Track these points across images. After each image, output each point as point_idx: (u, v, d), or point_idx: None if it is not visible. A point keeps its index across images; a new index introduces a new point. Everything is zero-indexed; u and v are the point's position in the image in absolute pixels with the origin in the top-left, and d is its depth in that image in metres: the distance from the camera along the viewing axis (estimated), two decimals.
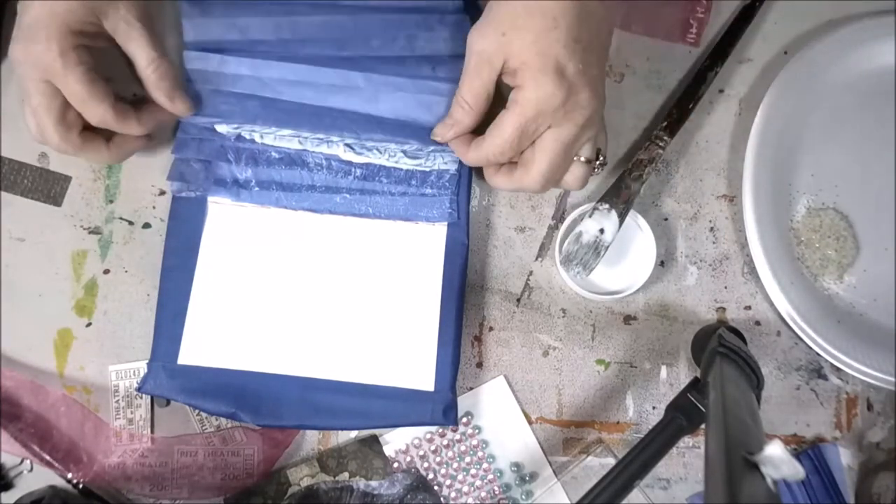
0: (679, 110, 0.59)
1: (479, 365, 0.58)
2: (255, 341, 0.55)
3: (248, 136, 0.56)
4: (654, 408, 0.59)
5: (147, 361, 0.55)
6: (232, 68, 0.55)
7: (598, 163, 0.53)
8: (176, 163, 0.57)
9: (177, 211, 0.57)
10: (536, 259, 0.60)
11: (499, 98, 0.52)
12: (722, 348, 0.49)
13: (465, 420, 0.57)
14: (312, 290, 0.56)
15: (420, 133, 0.55)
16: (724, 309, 0.60)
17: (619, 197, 0.57)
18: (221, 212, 0.57)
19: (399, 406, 0.54)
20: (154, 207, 0.59)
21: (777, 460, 0.35)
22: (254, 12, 0.55)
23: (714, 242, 0.60)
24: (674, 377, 0.59)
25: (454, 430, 0.57)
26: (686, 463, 0.58)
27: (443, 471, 0.57)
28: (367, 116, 0.56)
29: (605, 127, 0.53)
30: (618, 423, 0.58)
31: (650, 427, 0.48)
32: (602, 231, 0.56)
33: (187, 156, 0.57)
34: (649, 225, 0.58)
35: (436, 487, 0.56)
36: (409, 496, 0.56)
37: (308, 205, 0.57)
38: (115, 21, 0.49)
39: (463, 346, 0.57)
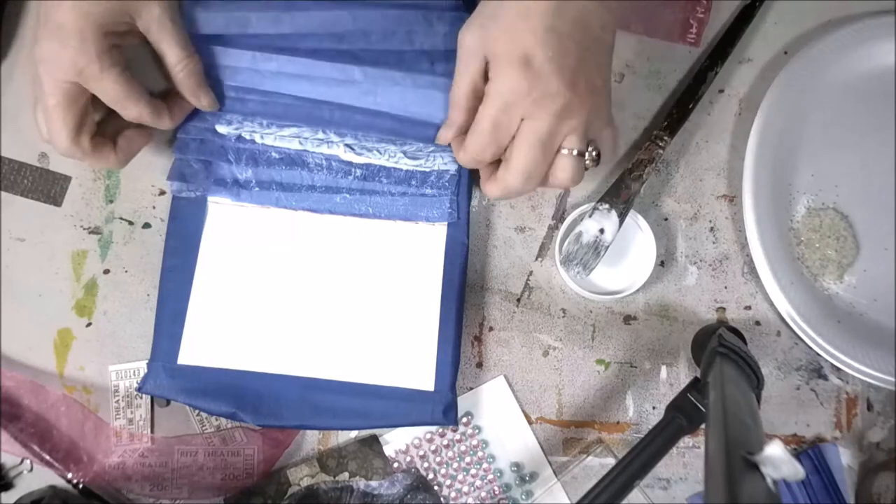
0: (679, 110, 0.59)
1: (479, 365, 0.58)
2: (255, 341, 0.55)
3: (248, 137, 0.56)
4: (654, 408, 0.59)
5: (147, 361, 0.55)
6: (231, 61, 0.55)
7: (589, 156, 0.50)
8: (176, 163, 0.57)
9: (177, 211, 0.57)
10: (536, 259, 0.60)
11: None
12: (722, 348, 0.49)
13: (465, 420, 0.57)
14: (312, 290, 0.56)
15: (418, 128, 0.55)
16: (724, 309, 0.60)
17: (619, 197, 0.57)
18: (221, 212, 0.57)
19: (399, 406, 0.54)
20: (154, 207, 0.59)
21: (777, 460, 0.35)
22: (253, 6, 0.55)
23: (714, 242, 0.60)
24: (674, 377, 0.59)
25: (454, 430, 0.57)
26: (686, 463, 0.58)
27: (443, 471, 0.57)
28: (364, 111, 0.56)
29: (610, 121, 0.51)
30: (618, 423, 0.58)
31: (650, 427, 0.48)
32: (602, 231, 0.56)
33: (188, 156, 0.57)
34: (649, 225, 0.58)
35: (436, 487, 0.56)
36: (409, 496, 0.56)
37: (308, 205, 0.57)
38: (149, 21, 0.49)
39: (463, 346, 0.57)
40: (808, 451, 0.58)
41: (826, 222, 0.59)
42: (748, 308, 0.60)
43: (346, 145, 0.56)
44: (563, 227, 0.58)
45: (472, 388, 0.58)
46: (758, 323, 0.60)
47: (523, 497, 0.57)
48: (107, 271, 0.58)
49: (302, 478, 0.56)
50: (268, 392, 0.54)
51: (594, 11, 0.48)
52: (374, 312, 0.56)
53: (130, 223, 0.59)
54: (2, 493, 0.55)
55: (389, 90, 0.56)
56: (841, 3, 0.62)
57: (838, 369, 0.58)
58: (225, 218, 0.57)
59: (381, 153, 0.56)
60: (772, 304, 0.58)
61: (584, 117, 0.48)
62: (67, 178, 0.59)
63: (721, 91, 0.62)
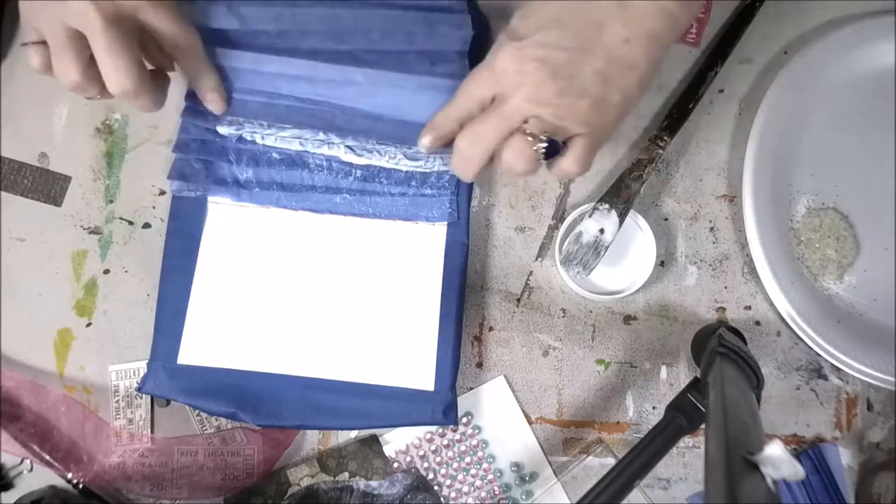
0: (679, 110, 0.59)
1: (479, 365, 0.58)
2: (255, 341, 0.55)
3: (249, 138, 0.56)
4: (654, 408, 0.59)
5: (147, 361, 0.55)
6: (232, 62, 0.55)
7: (540, 145, 0.46)
8: (176, 162, 0.57)
9: (177, 211, 0.57)
10: (536, 259, 0.60)
11: None
12: (722, 348, 0.49)
13: (465, 420, 0.57)
14: (312, 289, 0.56)
15: (418, 130, 0.55)
16: (724, 309, 0.60)
17: (619, 197, 0.57)
18: (221, 212, 0.57)
19: (399, 406, 0.54)
20: (154, 207, 0.59)
21: (777, 460, 0.35)
22: (254, 2, 0.55)
23: (714, 242, 0.60)
24: (674, 377, 0.59)
25: (454, 430, 0.57)
26: (686, 463, 0.58)
27: (443, 471, 0.57)
28: (365, 113, 0.56)
29: (594, 135, 0.47)
30: (618, 423, 0.58)
31: (650, 427, 0.48)
32: (602, 231, 0.56)
33: (188, 156, 0.57)
34: (649, 225, 0.58)
35: (436, 487, 0.56)
36: (409, 496, 0.56)
37: (308, 205, 0.57)
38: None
39: (463, 346, 0.57)
40: (808, 451, 0.58)
41: (826, 222, 0.59)
42: (748, 308, 0.60)
43: (347, 146, 0.56)
44: (563, 227, 0.58)
45: (472, 388, 0.58)
46: (758, 323, 0.60)
47: (523, 497, 0.57)
48: (107, 271, 0.58)
49: (302, 478, 0.56)
50: (268, 392, 0.54)
51: (615, 18, 0.45)
52: (375, 312, 0.56)
53: (130, 223, 0.59)
54: (2, 493, 0.55)
55: (390, 92, 0.55)
56: (841, 3, 0.62)
57: (838, 369, 0.58)
58: (225, 218, 0.57)
59: (381, 154, 0.56)
60: (772, 304, 0.58)
61: (557, 111, 0.45)
62: (67, 178, 0.59)
63: (721, 91, 0.62)
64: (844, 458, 0.58)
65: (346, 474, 0.56)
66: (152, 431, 0.56)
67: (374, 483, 0.56)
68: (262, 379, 0.55)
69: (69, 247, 0.58)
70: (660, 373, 0.59)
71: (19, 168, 0.58)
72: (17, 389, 0.55)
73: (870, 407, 0.59)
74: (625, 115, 0.48)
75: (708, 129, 0.61)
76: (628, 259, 0.58)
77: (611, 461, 0.57)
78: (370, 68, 0.56)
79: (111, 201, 0.59)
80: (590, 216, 0.56)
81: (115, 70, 0.46)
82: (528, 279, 0.59)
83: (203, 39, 0.54)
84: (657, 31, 0.45)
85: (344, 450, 0.56)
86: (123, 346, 0.57)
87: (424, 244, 0.57)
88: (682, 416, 0.48)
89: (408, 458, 0.57)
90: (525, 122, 0.46)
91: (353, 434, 0.57)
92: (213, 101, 0.54)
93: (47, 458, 0.54)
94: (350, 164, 0.57)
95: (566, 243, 0.56)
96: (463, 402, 0.57)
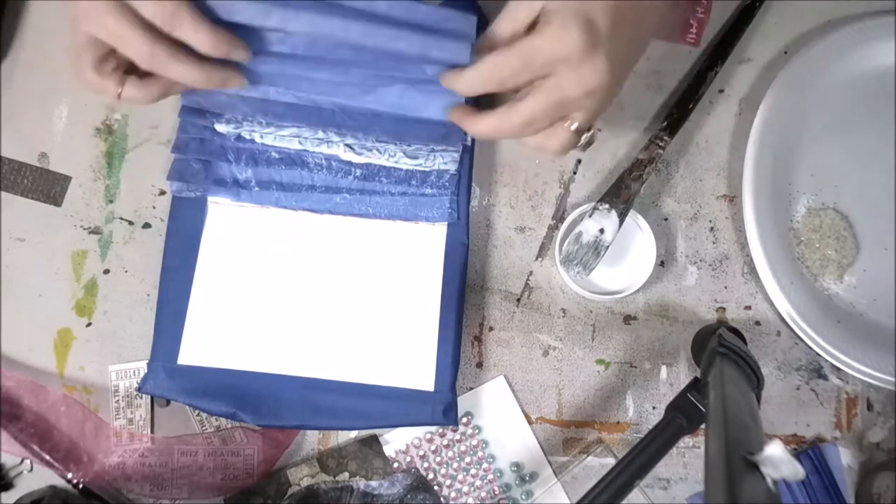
0: (679, 110, 0.59)
1: (479, 365, 0.58)
2: (255, 341, 0.55)
3: (248, 136, 0.56)
4: (654, 408, 0.59)
5: (147, 361, 0.55)
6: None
7: (586, 137, 0.49)
8: (176, 163, 0.57)
9: (177, 211, 0.57)
10: (536, 259, 0.60)
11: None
12: (722, 348, 0.49)
13: (465, 420, 0.57)
14: (312, 290, 0.56)
15: (417, 128, 0.55)
16: (724, 309, 0.60)
17: (618, 197, 0.57)
18: (221, 212, 0.57)
19: (399, 406, 0.54)
20: (154, 207, 0.59)
21: (777, 460, 0.35)
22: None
23: (714, 242, 0.60)
24: (674, 377, 0.59)
25: (454, 430, 0.57)
26: (686, 463, 0.58)
27: (443, 471, 0.57)
28: (363, 110, 0.56)
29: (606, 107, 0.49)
30: (618, 423, 0.58)
31: (650, 427, 0.48)
32: (602, 231, 0.56)
33: (187, 156, 0.57)
34: (649, 225, 0.58)
35: (436, 487, 0.56)
36: (409, 496, 0.56)
37: (308, 205, 0.57)
38: None
39: (463, 346, 0.57)
40: (808, 451, 0.58)
41: (826, 222, 0.59)
42: (748, 308, 0.60)
43: (346, 145, 0.56)
44: (563, 227, 0.58)
45: (472, 388, 0.58)
46: (758, 323, 0.60)
47: (523, 497, 0.57)
48: (107, 271, 0.58)
49: (302, 478, 0.56)
50: (268, 392, 0.54)
51: (649, 12, 0.47)
52: (374, 312, 0.56)
53: (130, 223, 0.59)
54: (2, 493, 0.55)
55: (388, 89, 0.55)
56: (841, 3, 0.62)
57: (838, 369, 0.58)
58: (225, 218, 0.57)
59: (380, 153, 0.56)
60: (772, 304, 0.58)
61: (602, 105, 0.47)
62: (67, 178, 0.59)
63: (721, 91, 0.62)
64: (844, 458, 0.58)
65: (346, 474, 0.56)
66: (152, 431, 0.56)
67: (374, 483, 0.56)
68: (262, 379, 0.55)
69: (69, 247, 0.58)
70: (660, 373, 0.59)
71: (19, 168, 0.58)
72: (17, 389, 0.55)
73: (870, 407, 0.59)
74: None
75: (708, 129, 0.61)
76: (628, 259, 0.58)
77: (611, 461, 0.57)
78: (370, 67, 0.56)
79: (111, 201, 0.59)
80: (590, 216, 0.56)
81: (206, 34, 0.47)
82: (528, 279, 0.59)
83: None
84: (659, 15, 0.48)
85: (344, 450, 0.56)
86: (123, 346, 0.57)
87: (424, 244, 0.57)
88: (682, 416, 0.48)
89: (408, 458, 0.57)
90: (573, 113, 0.47)
91: (353, 434, 0.57)
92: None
93: (47, 458, 0.54)
94: (349, 163, 0.57)
95: (566, 243, 0.56)
96: (463, 402, 0.57)
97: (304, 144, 0.56)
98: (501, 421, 0.58)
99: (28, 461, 0.55)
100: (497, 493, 0.57)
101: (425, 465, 0.57)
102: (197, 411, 0.56)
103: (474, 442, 0.57)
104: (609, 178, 0.60)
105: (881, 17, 0.61)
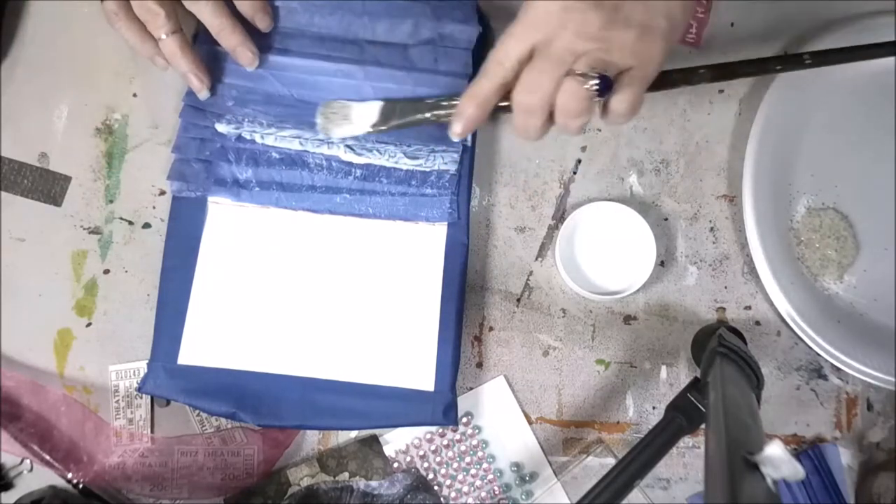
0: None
1: (479, 365, 0.58)
2: (255, 341, 0.55)
3: (248, 137, 0.56)
4: (654, 408, 0.59)
5: (147, 361, 0.55)
6: (233, 60, 0.56)
7: (592, 81, 0.45)
8: (176, 163, 0.57)
9: (177, 211, 0.57)
10: (536, 259, 0.60)
11: None
12: (722, 348, 0.49)
13: (465, 420, 0.57)
14: (312, 290, 0.56)
15: (416, 128, 0.55)
16: (724, 309, 0.60)
17: None
18: (221, 212, 0.57)
19: (399, 406, 0.54)
20: (154, 207, 0.59)
21: (777, 460, 0.35)
22: None
23: (714, 242, 0.60)
24: (674, 377, 0.59)
25: (454, 430, 0.57)
26: (686, 463, 0.58)
27: (443, 471, 0.57)
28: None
29: (644, 65, 0.45)
30: (618, 423, 0.58)
31: (650, 427, 0.48)
32: None
33: (187, 156, 0.57)
34: (649, 225, 0.58)
35: (436, 487, 0.56)
36: (409, 496, 0.56)
37: (308, 205, 0.57)
38: None
39: (463, 346, 0.57)
40: (808, 451, 0.58)
41: (826, 222, 0.59)
42: (748, 308, 0.60)
43: (346, 145, 0.56)
44: (563, 227, 0.58)
45: (472, 388, 0.58)
46: (758, 323, 0.60)
47: (523, 497, 0.57)
48: (107, 271, 0.58)
49: (302, 478, 0.56)
50: (268, 392, 0.54)
51: None
52: (374, 312, 0.56)
53: (130, 223, 0.58)
54: (2, 493, 0.55)
55: (392, 90, 0.56)
56: (841, 3, 0.62)
57: (838, 369, 0.58)
58: (225, 218, 0.57)
59: (381, 153, 0.57)
60: (772, 304, 0.58)
61: (606, 44, 0.44)
62: (67, 178, 0.59)
63: (721, 91, 0.62)
64: (844, 458, 0.58)
65: (346, 474, 0.56)
66: (152, 431, 0.56)
67: (374, 483, 0.56)
68: (262, 379, 0.55)
69: (69, 247, 0.58)
70: (660, 373, 0.59)
71: (19, 168, 0.58)
72: (17, 389, 0.55)
73: (870, 407, 0.59)
74: (671, 44, 0.46)
75: (708, 129, 0.61)
76: (628, 259, 0.58)
77: (611, 461, 0.57)
78: (372, 64, 0.56)
79: (111, 201, 0.59)
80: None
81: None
82: (528, 279, 0.59)
83: (206, 44, 0.55)
84: None
85: (344, 450, 0.56)
86: (123, 346, 0.57)
87: (424, 244, 0.57)
88: (682, 416, 0.48)
89: (408, 458, 0.57)
90: (574, 62, 0.44)
91: (353, 434, 0.57)
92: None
93: (47, 458, 0.54)
94: (350, 164, 0.57)
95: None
96: (463, 402, 0.57)
97: (304, 145, 0.56)
98: (501, 421, 0.58)
99: (28, 461, 0.55)
100: (497, 493, 0.57)
101: (425, 465, 0.57)
102: (197, 411, 0.56)
103: (474, 442, 0.57)
104: (610, 177, 0.60)
105: (881, 17, 0.61)
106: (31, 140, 0.58)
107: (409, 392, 0.55)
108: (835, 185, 0.60)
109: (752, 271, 0.59)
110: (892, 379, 0.56)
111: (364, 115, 0.53)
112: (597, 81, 0.45)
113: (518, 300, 0.59)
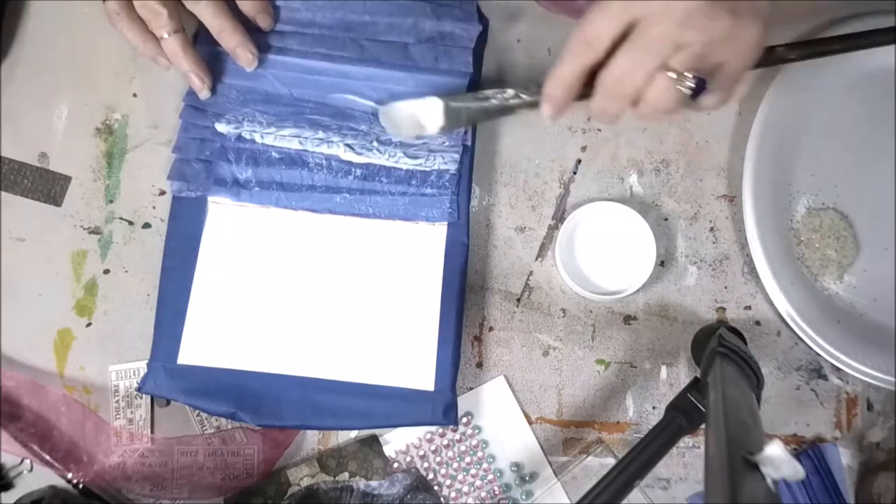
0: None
1: (479, 365, 0.58)
2: (255, 341, 0.55)
3: (248, 136, 0.56)
4: (654, 408, 0.59)
5: (147, 361, 0.55)
6: (233, 61, 0.56)
7: (688, 83, 0.42)
8: (176, 163, 0.57)
9: (177, 211, 0.57)
10: (536, 259, 0.60)
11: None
12: (722, 348, 0.49)
13: (465, 420, 0.57)
14: (312, 289, 0.56)
15: None
16: (724, 309, 0.60)
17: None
18: (221, 212, 0.57)
19: (399, 406, 0.54)
20: (154, 207, 0.59)
21: (777, 460, 0.35)
22: None
23: (714, 242, 0.60)
24: (674, 377, 0.59)
25: (454, 430, 0.57)
26: (686, 463, 0.58)
27: (443, 471, 0.57)
28: (363, 109, 0.56)
29: (747, 54, 0.43)
30: (618, 423, 0.58)
31: (650, 427, 0.48)
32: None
33: (188, 156, 0.57)
34: (649, 225, 0.58)
35: (436, 487, 0.56)
36: (409, 496, 0.56)
37: (308, 205, 0.57)
38: None
39: (463, 346, 0.57)
40: (808, 451, 0.58)
41: (826, 222, 0.59)
42: (748, 308, 0.60)
43: (346, 145, 0.56)
44: (563, 227, 0.58)
45: (472, 388, 0.58)
46: (758, 323, 0.60)
47: (523, 497, 0.57)
48: (107, 271, 0.58)
49: (302, 478, 0.56)
50: (268, 392, 0.54)
51: None
52: (375, 312, 0.56)
53: (130, 223, 0.59)
54: (2, 493, 0.55)
55: (391, 91, 0.56)
56: (841, 3, 0.62)
57: (838, 369, 0.58)
58: (225, 218, 0.57)
59: (380, 152, 0.57)
60: (772, 304, 0.58)
61: (709, 35, 0.41)
62: (67, 178, 0.59)
63: None
64: (844, 458, 0.58)
65: (346, 474, 0.56)
66: (152, 431, 0.56)
67: (374, 483, 0.56)
68: (262, 379, 0.55)
69: (69, 247, 0.58)
70: (660, 373, 0.59)
71: (19, 168, 0.58)
72: (17, 389, 0.55)
73: (870, 407, 0.59)
74: (764, 33, 0.43)
75: (708, 129, 0.61)
76: (628, 259, 0.58)
77: (611, 461, 0.57)
78: (372, 64, 0.56)
79: (111, 201, 0.59)
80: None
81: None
82: (528, 279, 0.59)
83: (206, 44, 0.55)
84: None
85: (344, 450, 0.56)
86: (123, 346, 0.57)
87: (424, 244, 0.57)
88: (682, 416, 0.48)
89: (408, 458, 0.57)
90: (673, 55, 0.42)
91: (353, 434, 0.57)
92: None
93: (47, 458, 0.54)
94: (350, 163, 0.57)
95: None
96: (463, 402, 0.57)
97: (304, 144, 0.56)
98: (501, 421, 0.58)
99: (28, 461, 0.55)
100: (497, 493, 0.57)
101: (425, 465, 0.57)
102: (197, 411, 0.56)
103: (474, 442, 0.57)
104: (610, 176, 0.60)
105: (881, 17, 0.60)
106: (31, 140, 0.58)
107: (409, 392, 0.55)
108: (835, 185, 0.60)
109: (752, 271, 0.59)
110: (892, 379, 0.56)
111: (430, 117, 0.52)
112: (692, 84, 0.43)
113: (518, 300, 0.59)
